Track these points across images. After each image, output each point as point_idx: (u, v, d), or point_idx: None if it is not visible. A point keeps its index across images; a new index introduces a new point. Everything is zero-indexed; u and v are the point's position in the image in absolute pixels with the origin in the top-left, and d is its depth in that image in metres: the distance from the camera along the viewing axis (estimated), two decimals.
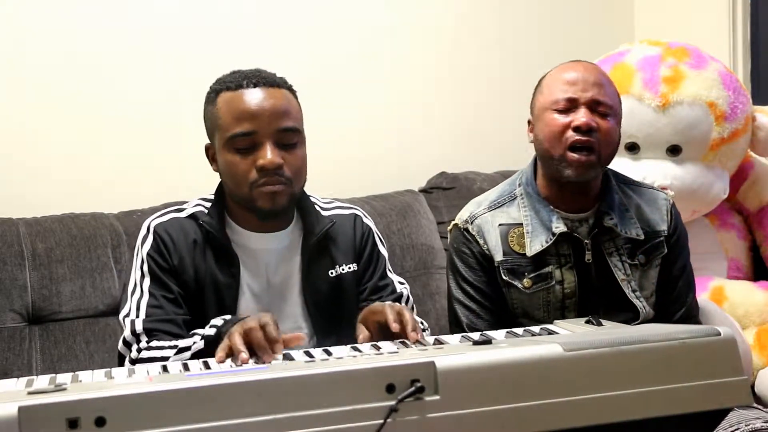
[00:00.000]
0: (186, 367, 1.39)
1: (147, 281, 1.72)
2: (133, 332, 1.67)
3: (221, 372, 1.26)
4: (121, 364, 1.69)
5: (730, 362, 1.27)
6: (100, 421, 1.06)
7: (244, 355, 1.39)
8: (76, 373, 1.38)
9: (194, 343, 1.56)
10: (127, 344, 1.68)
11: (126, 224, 2.29)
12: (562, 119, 1.89)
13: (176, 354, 1.57)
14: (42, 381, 1.31)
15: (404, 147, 2.92)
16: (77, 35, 2.49)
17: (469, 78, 3.03)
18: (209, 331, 1.56)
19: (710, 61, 2.57)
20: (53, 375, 1.40)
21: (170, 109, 2.58)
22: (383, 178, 2.77)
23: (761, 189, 2.67)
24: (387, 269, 1.89)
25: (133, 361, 1.64)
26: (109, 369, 1.40)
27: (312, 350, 1.50)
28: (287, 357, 1.43)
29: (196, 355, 1.54)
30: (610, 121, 1.90)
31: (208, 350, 1.52)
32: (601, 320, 1.61)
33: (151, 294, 1.70)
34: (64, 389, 1.13)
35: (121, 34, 2.53)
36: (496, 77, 3.06)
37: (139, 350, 1.64)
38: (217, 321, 1.58)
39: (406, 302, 1.86)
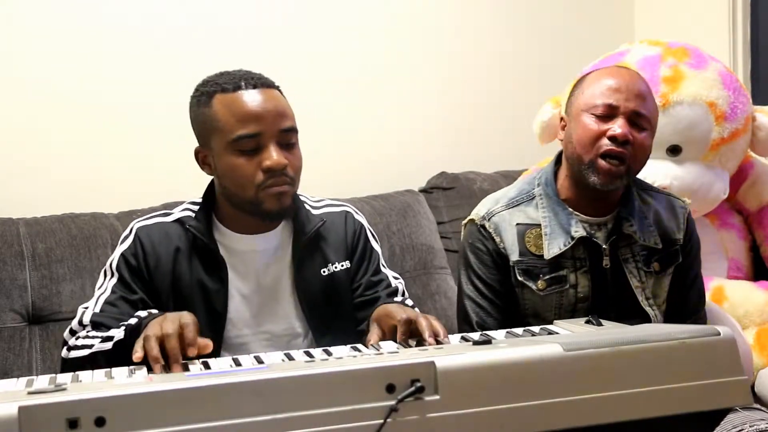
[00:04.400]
0: (186, 367, 1.39)
1: (113, 280, 1.72)
2: (80, 322, 1.67)
3: (221, 372, 1.26)
4: (62, 350, 1.69)
5: (730, 362, 1.27)
6: (100, 421, 1.06)
7: (158, 365, 1.38)
8: (76, 373, 1.38)
9: (118, 332, 1.56)
10: (72, 332, 1.68)
11: (126, 224, 2.28)
12: (599, 125, 1.83)
13: (101, 342, 1.56)
14: (42, 381, 1.31)
15: (404, 147, 2.92)
16: (77, 35, 2.49)
17: (469, 78, 3.03)
18: (131, 320, 1.55)
19: (710, 61, 2.57)
20: (53, 375, 1.40)
21: (170, 109, 2.58)
22: (383, 178, 2.77)
23: (761, 189, 2.67)
24: (381, 264, 1.89)
25: (69, 348, 1.64)
26: (109, 369, 1.40)
27: (312, 350, 1.50)
28: (288, 357, 1.44)
29: (117, 345, 1.52)
30: (646, 134, 1.86)
31: (127, 341, 1.51)
32: (601, 320, 1.61)
33: (112, 291, 1.70)
34: (64, 389, 1.13)
35: (121, 34, 2.54)
36: (496, 77, 3.06)
37: (77, 338, 1.64)
38: (142, 312, 1.58)
39: (402, 295, 1.85)
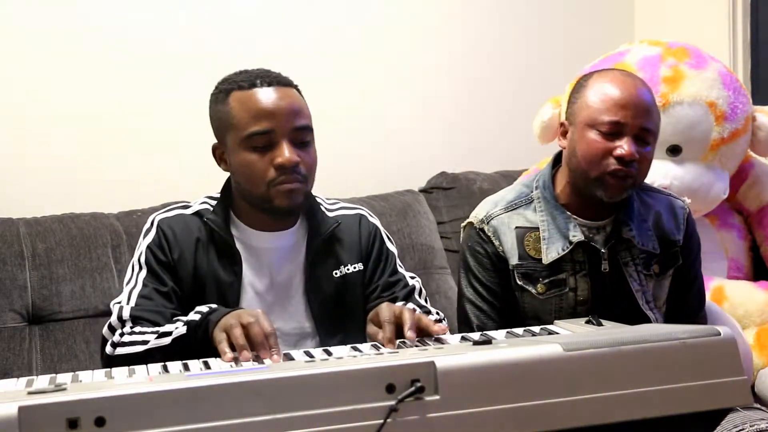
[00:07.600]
0: (186, 367, 1.39)
1: (143, 273, 1.73)
2: (119, 318, 1.67)
3: (221, 372, 1.26)
4: (103, 348, 1.68)
5: (730, 362, 1.27)
6: (100, 421, 1.05)
7: (247, 353, 1.40)
8: (76, 373, 1.38)
9: (176, 328, 1.55)
10: (112, 329, 1.68)
11: (126, 224, 2.29)
12: (606, 143, 1.80)
13: (157, 338, 1.56)
14: (42, 381, 1.31)
15: (404, 147, 2.92)
16: (77, 35, 2.49)
17: (470, 78, 3.03)
18: (193, 316, 1.55)
19: (710, 61, 2.57)
20: (53, 375, 1.40)
21: (170, 109, 2.58)
22: (383, 178, 2.77)
23: (761, 189, 2.67)
24: (397, 265, 1.89)
25: (115, 345, 1.63)
26: (109, 369, 1.40)
27: (312, 350, 1.50)
28: (287, 357, 1.44)
29: (177, 341, 1.53)
30: (650, 148, 1.84)
31: (189, 336, 1.52)
32: (601, 320, 1.61)
33: (144, 285, 1.71)
34: (64, 389, 1.13)
35: (121, 35, 2.54)
36: (496, 77, 3.06)
37: (121, 335, 1.64)
38: (203, 308, 1.58)
39: (419, 294, 1.86)
